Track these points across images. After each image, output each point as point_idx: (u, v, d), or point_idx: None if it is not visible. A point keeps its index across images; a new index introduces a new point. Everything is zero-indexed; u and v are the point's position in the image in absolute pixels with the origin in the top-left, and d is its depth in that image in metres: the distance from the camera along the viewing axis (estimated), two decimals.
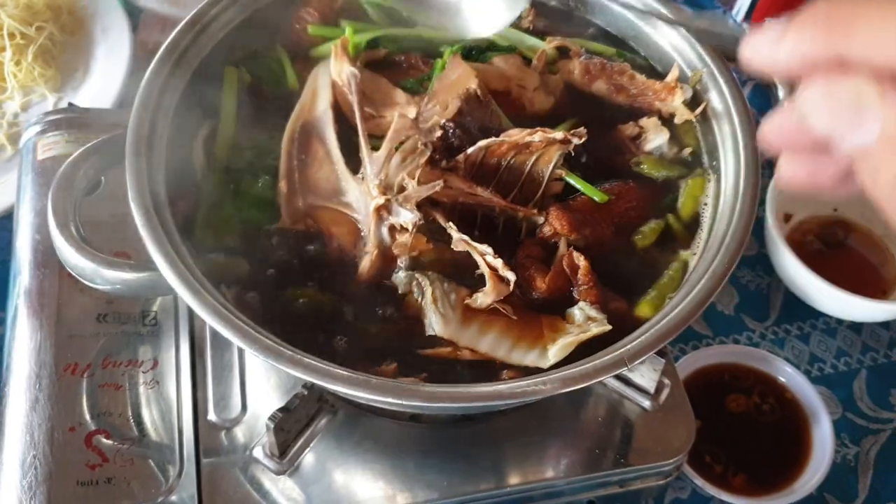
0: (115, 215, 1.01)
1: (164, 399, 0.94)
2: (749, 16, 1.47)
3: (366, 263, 0.81)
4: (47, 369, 0.93)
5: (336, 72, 0.89)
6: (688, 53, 0.93)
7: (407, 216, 0.78)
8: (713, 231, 0.83)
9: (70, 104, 1.14)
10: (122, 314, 0.98)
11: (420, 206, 0.79)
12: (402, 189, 0.80)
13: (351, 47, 0.92)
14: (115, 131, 1.03)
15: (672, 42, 0.95)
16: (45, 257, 0.99)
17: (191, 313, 0.99)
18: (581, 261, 0.81)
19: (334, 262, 0.83)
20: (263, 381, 0.96)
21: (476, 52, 0.97)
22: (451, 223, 0.79)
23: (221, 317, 0.71)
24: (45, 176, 1.05)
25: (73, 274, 0.81)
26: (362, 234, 0.83)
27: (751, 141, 0.84)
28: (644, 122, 0.91)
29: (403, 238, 0.79)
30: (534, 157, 0.82)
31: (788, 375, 1.12)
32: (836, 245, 1.27)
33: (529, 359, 0.77)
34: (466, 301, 0.79)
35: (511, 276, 0.77)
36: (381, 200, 0.79)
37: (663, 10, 0.94)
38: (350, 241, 0.83)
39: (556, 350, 0.76)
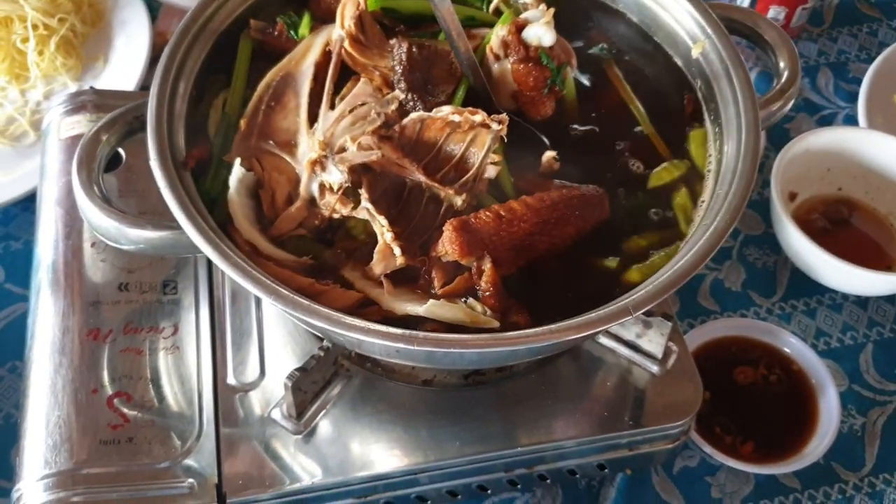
0: (136, 189, 1.05)
1: (184, 364, 0.97)
2: (754, 4, 1.49)
3: (290, 210, 0.83)
4: (70, 335, 0.97)
5: (335, 33, 0.92)
6: (690, 25, 0.96)
7: (336, 176, 0.80)
8: (716, 192, 0.85)
9: (91, 87, 1.17)
10: (143, 283, 1.01)
11: (353, 169, 0.80)
12: (342, 150, 0.82)
13: (370, 4, 0.94)
14: (139, 100, 1.07)
15: (675, 15, 0.97)
16: (69, 230, 1.03)
17: (210, 282, 1.02)
18: (487, 265, 0.78)
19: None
20: (281, 348, 0.99)
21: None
22: (364, 190, 0.80)
23: (240, 269, 0.74)
24: (67, 153, 1.08)
25: (98, 235, 0.84)
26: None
27: (751, 103, 0.86)
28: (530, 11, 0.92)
29: (330, 198, 0.81)
30: (468, 139, 0.83)
31: (794, 347, 1.14)
32: (841, 223, 1.28)
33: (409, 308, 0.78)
34: (365, 269, 0.80)
35: (398, 251, 0.77)
36: (315, 155, 0.81)
37: None
38: (284, 191, 0.84)
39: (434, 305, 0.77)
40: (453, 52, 0.90)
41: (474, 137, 0.82)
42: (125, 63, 1.39)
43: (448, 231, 0.78)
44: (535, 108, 0.92)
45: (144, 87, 1.36)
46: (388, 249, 0.78)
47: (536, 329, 0.72)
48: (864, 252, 1.26)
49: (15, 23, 1.38)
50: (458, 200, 0.82)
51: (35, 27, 1.38)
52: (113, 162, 1.04)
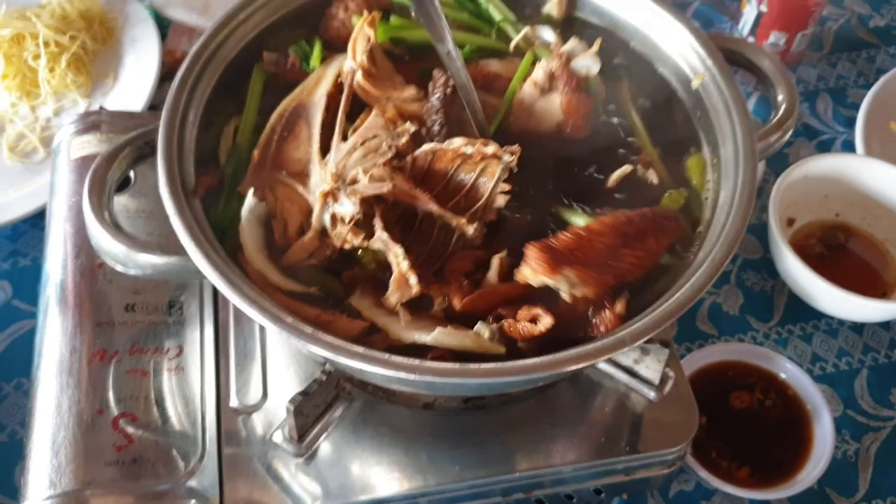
0: (144, 211, 1.07)
1: (188, 385, 0.99)
2: (754, 30, 1.51)
3: (303, 240, 0.84)
4: (77, 355, 0.98)
5: (347, 64, 0.94)
6: (691, 57, 0.97)
7: (348, 208, 0.82)
8: (713, 221, 0.86)
9: (101, 107, 1.19)
10: (149, 304, 1.02)
11: (365, 201, 0.82)
12: (354, 181, 0.84)
13: (379, 36, 0.96)
14: (150, 126, 1.09)
15: (677, 47, 0.99)
16: (77, 250, 1.04)
17: (215, 304, 1.04)
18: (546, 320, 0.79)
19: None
20: (284, 370, 1.00)
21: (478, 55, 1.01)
22: (378, 220, 0.82)
23: (246, 297, 0.76)
24: (78, 173, 1.10)
25: (106, 260, 0.85)
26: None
27: (748, 137, 0.88)
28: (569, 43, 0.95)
29: (341, 229, 0.83)
30: (478, 169, 0.84)
31: (790, 372, 1.15)
32: (838, 248, 1.30)
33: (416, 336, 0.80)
34: (376, 298, 0.82)
35: (413, 280, 0.79)
36: (328, 186, 0.83)
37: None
38: (296, 222, 0.86)
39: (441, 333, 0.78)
40: (466, 105, 0.91)
41: (484, 168, 0.84)
42: (135, 81, 1.41)
43: (532, 251, 0.79)
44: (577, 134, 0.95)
45: (154, 105, 1.38)
46: (403, 279, 0.79)
47: (534, 360, 0.73)
48: (861, 277, 1.27)
49: (27, 40, 1.40)
50: (470, 229, 0.84)
51: (47, 44, 1.40)
52: (123, 182, 1.05)
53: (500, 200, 0.85)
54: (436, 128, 0.89)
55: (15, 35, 1.40)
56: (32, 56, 1.39)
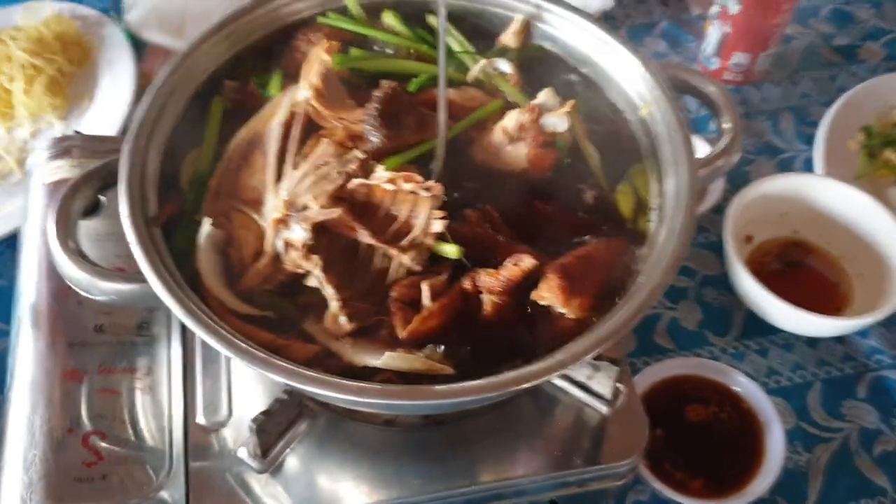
0: (113, 234, 1.10)
1: (157, 404, 1.02)
2: (718, 50, 1.54)
3: (257, 266, 0.88)
4: (49, 375, 1.01)
5: (301, 94, 0.97)
6: (639, 85, 1.01)
7: (299, 234, 0.86)
8: (655, 248, 0.90)
9: (75, 131, 1.23)
10: (119, 325, 1.06)
11: (315, 227, 0.86)
12: (305, 208, 0.87)
13: (336, 65, 0.99)
14: (116, 155, 1.13)
15: (625, 75, 1.03)
16: (49, 273, 1.07)
17: (182, 325, 1.07)
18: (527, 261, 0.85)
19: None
20: (248, 388, 1.04)
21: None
22: (316, 257, 0.85)
23: (202, 322, 0.79)
24: (50, 198, 1.13)
25: (72, 286, 0.89)
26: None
27: (690, 165, 0.91)
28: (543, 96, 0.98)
29: (293, 255, 0.86)
30: (410, 201, 0.88)
31: (744, 386, 1.19)
32: (795, 265, 1.34)
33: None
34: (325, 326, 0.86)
35: (343, 320, 0.84)
36: (279, 214, 0.87)
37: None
38: (252, 248, 0.90)
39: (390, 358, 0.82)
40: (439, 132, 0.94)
41: (416, 200, 0.88)
42: (111, 103, 1.44)
43: (552, 280, 0.84)
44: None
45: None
46: (334, 317, 0.84)
47: (470, 383, 0.77)
48: (818, 292, 1.31)
49: (2, 63, 1.43)
50: (406, 258, 0.87)
51: (23, 67, 1.43)
52: (94, 206, 1.08)
53: (437, 226, 0.87)
54: (371, 136, 0.92)
55: None
56: (8, 79, 1.42)
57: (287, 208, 0.87)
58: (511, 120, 0.97)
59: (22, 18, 1.52)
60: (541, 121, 0.96)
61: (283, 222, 0.86)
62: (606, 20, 1.67)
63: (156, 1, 1.56)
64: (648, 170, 0.98)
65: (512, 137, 0.96)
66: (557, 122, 0.96)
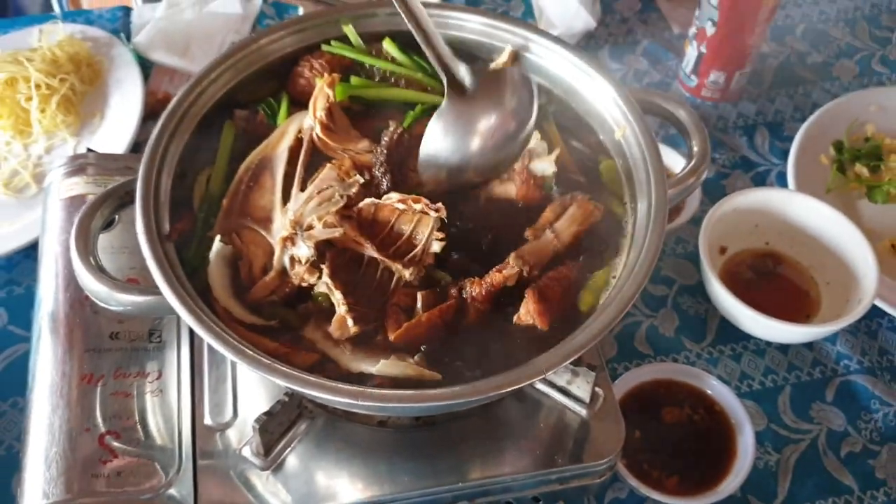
0: (126, 247, 1.18)
1: (167, 405, 1.10)
2: (696, 69, 1.62)
3: (265, 279, 0.96)
4: (67, 379, 1.08)
5: (307, 122, 1.05)
6: (614, 111, 1.09)
7: (304, 251, 0.94)
8: (627, 260, 0.98)
9: (89, 149, 1.30)
10: (132, 332, 1.13)
11: (319, 245, 0.94)
12: (310, 227, 0.96)
13: (338, 94, 1.07)
14: (128, 173, 1.21)
15: (601, 101, 1.11)
16: (66, 283, 1.15)
17: (191, 333, 1.15)
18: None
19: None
20: (252, 391, 1.12)
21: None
22: (326, 267, 0.94)
23: (212, 331, 0.87)
24: (67, 212, 1.21)
25: (91, 297, 0.96)
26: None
27: (659, 187, 0.99)
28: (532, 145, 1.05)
29: (299, 269, 0.95)
30: (415, 220, 0.96)
31: (717, 390, 1.26)
32: (767, 274, 1.41)
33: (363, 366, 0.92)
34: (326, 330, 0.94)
35: (350, 323, 0.92)
36: (287, 232, 0.95)
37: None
38: (260, 263, 0.98)
39: (385, 365, 0.91)
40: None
41: (420, 219, 0.96)
42: (120, 120, 1.52)
43: (531, 304, 0.93)
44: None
45: (137, 143, 1.49)
46: (343, 319, 0.91)
47: (452, 388, 0.85)
48: (789, 301, 1.39)
49: (20, 83, 1.51)
50: (406, 273, 0.95)
51: (38, 87, 1.51)
52: (109, 221, 1.16)
53: (436, 247, 0.96)
54: (381, 179, 1.00)
55: (8, 78, 1.51)
56: (25, 98, 1.50)
57: (294, 227, 0.95)
58: None
59: (37, 40, 1.59)
60: (530, 166, 1.04)
61: (290, 240, 0.94)
62: (590, 39, 1.75)
63: (162, 24, 1.64)
64: (626, 193, 1.06)
65: (502, 179, 1.03)
66: (546, 167, 1.04)
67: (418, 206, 0.94)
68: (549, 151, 1.06)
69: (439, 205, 0.95)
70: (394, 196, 0.96)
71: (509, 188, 1.05)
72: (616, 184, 1.09)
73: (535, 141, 1.05)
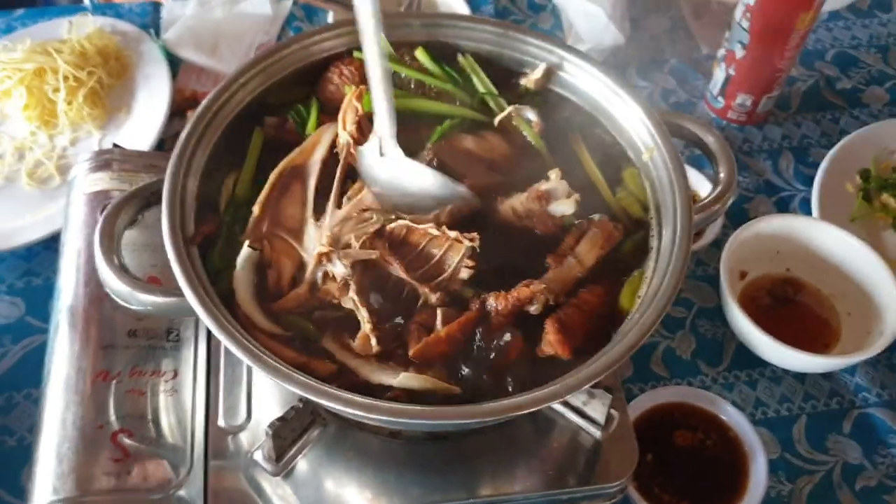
0: (149, 245, 1.18)
1: (181, 406, 1.10)
2: (723, 91, 1.61)
3: (297, 291, 0.96)
4: (82, 375, 1.08)
5: (341, 135, 1.05)
6: (642, 132, 1.08)
7: (340, 269, 0.94)
8: (650, 285, 0.97)
9: (115, 144, 1.30)
10: (149, 330, 1.13)
11: (353, 264, 0.94)
12: (346, 246, 0.96)
13: (365, 105, 1.06)
14: (153, 171, 1.21)
15: (630, 123, 1.10)
16: (87, 278, 1.15)
17: (208, 334, 1.15)
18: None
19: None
20: (267, 395, 1.12)
21: (469, 127, 1.12)
22: (353, 282, 0.94)
23: (233, 337, 0.87)
24: (90, 207, 1.21)
25: (113, 296, 0.96)
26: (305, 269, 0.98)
27: (684, 213, 0.98)
28: (552, 182, 1.03)
29: (331, 286, 0.95)
30: (446, 245, 0.96)
31: (731, 415, 1.26)
32: (787, 301, 1.40)
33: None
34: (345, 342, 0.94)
35: (373, 342, 0.92)
36: (325, 249, 0.95)
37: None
38: (290, 274, 0.98)
39: (405, 378, 0.90)
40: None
41: (451, 245, 0.96)
42: (146, 115, 1.53)
43: (550, 336, 0.93)
44: None
45: (162, 140, 1.49)
46: (366, 338, 0.92)
47: (467, 408, 0.84)
48: (808, 329, 1.38)
49: (48, 74, 1.52)
50: (433, 298, 0.95)
51: (66, 79, 1.51)
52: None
53: (464, 274, 0.96)
54: None
55: (37, 69, 1.51)
56: (52, 89, 1.51)
57: (332, 244, 0.95)
58: (519, 203, 1.03)
59: (67, 32, 1.60)
60: (549, 208, 1.02)
61: (326, 256, 0.94)
62: (618, 56, 1.75)
63: (192, 21, 1.64)
64: (653, 221, 1.06)
65: (521, 218, 1.03)
66: (565, 209, 1.02)
67: (452, 234, 0.94)
68: (569, 193, 1.03)
69: (474, 234, 0.95)
70: (426, 222, 0.97)
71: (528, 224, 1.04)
72: (640, 190, 1.08)
73: (555, 180, 1.03)
